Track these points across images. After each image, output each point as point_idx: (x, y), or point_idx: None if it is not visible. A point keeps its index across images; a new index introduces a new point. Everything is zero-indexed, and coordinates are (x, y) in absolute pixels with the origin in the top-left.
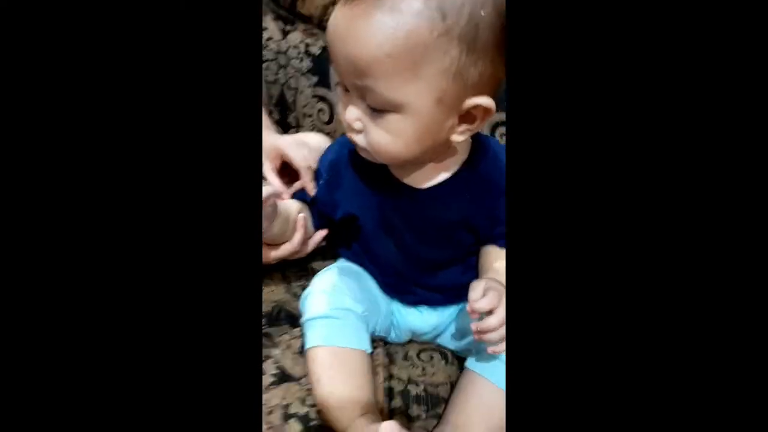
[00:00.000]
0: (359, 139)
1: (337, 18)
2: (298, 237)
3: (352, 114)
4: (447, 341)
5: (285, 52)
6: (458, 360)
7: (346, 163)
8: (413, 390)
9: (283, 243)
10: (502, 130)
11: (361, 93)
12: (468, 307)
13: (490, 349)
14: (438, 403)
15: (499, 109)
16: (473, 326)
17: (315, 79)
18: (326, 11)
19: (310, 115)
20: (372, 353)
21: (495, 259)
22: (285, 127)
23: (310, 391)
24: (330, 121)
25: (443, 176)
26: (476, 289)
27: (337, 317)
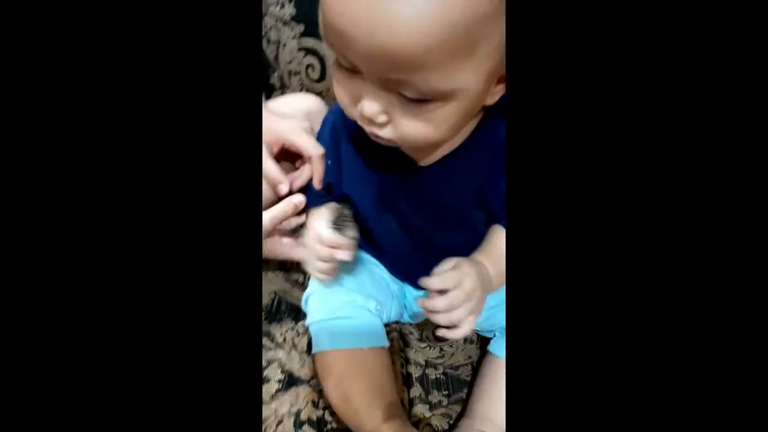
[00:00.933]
0: (384, 132)
1: (358, 2)
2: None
3: (374, 108)
4: None
5: None
6: (478, 339)
7: (345, 138)
8: (432, 374)
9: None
10: None
11: (393, 85)
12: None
13: (440, 332)
14: (460, 386)
15: None
16: (419, 300)
17: (300, 28)
18: None
19: (297, 73)
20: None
21: (492, 240)
22: (269, 90)
23: (321, 392)
24: (321, 78)
25: (449, 148)
26: (441, 266)
27: (349, 317)
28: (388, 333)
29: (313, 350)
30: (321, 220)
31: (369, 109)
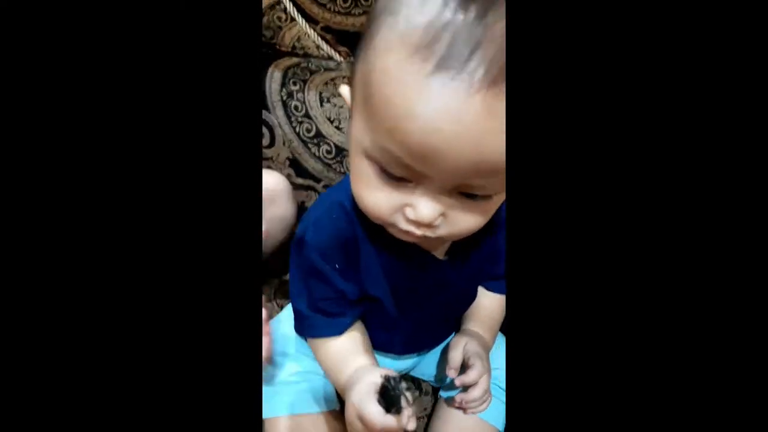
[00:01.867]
0: (432, 232)
1: (453, 113)
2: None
3: (435, 212)
4: (422, 373)
5: None
6: (434, 391)
7: (365, 239)
8: None
9: None
10: None
11: (465, 189)
12: (448, 372)
13: (469, 412)
14: None
15: None
16: (457, 398)
17: None
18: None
19: None
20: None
21: (480, 304)
22: None
23: None
24: (271, 145)
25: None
26: (455, 356)
27: (297, 381)
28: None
29: (263, 415)
30: (367, 392)
31: (429, 213)
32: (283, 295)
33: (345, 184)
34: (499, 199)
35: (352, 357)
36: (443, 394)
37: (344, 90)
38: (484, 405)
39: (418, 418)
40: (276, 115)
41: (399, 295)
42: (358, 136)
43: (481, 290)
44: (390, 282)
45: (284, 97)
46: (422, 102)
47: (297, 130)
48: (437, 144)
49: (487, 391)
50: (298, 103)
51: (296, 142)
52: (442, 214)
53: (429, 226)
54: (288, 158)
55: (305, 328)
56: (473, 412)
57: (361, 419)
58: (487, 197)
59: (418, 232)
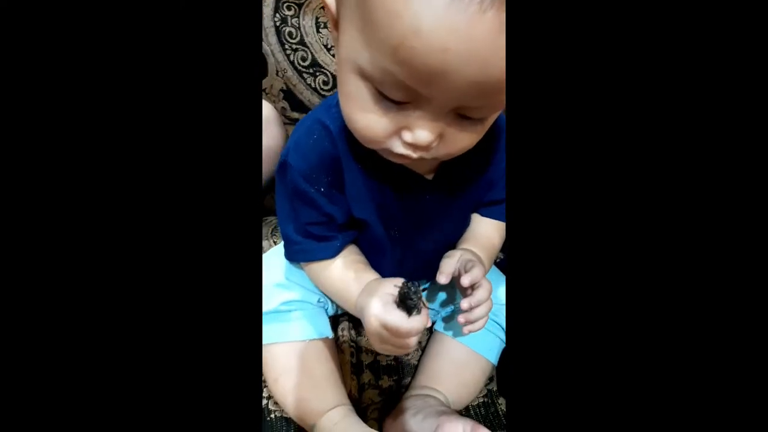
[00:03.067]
0: (429, 153)
1: (463, 32)
2: None
3: (432, 135)
4: None
5: None
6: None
7: (349, 160)
8: (383, 360)
9: None
10: None
11: (465, 110)
12: (439, 277)
13: (466, 329)
14: (410, 371)
15: None
16: (461, 318)
17: None
18: None
19: None
20: (336, 331)
21: (476, 228)
22: None
23: (265, 382)
24: (263, 75)
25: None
26: (449, 262)
27: (289, 310)
28: (340, 322)
29: None
30: (386, 302)
31: (427, 137)
32: (279, 233)
33: (329, 101)
34: (493, 118)
35: (356, 275)
36: (437, 327)
37: None
38: (481, 322)
39: (416, 351)
40: (268, 43)
41: (386, 217)
42: (351, 52)
43: (476, 216)
44: (375, 203)
45: (277, 23)
46: (431, 18)
47: (291, 58)
48: (445, 64)
49: (486, 304)
50: (293, 30)
51: (290, 72)
52: (440, 136)
53: (426, 148)
54: (282, 90)
55: (296, 253)
56: (470, 330)
57: (386, 327)
58: (483, 117)
59: (415, 155)
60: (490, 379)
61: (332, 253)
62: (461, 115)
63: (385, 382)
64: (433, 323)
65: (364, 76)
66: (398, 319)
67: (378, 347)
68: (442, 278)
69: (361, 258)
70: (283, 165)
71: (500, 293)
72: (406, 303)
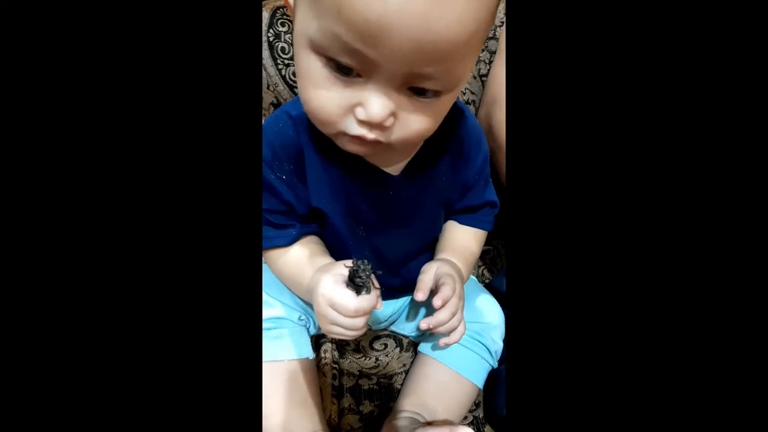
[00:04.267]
0: (385, 136)
1: None
2: None
3: (386, 109)
4: (401, 327)
5: None
6: (413, 346)
7: (311, 150)
8: (365, 384)
9: None
10: None
11: (415, 80)
12: (416, 294)
13: (442, 342)
14: (392, 396)
15: None
16: (422, 323)
17: None
18: None
19: None
20: (318, 353)
21: (452, 236)
22: None
23: None
24: None
25: (410, 155)
26: (425, 278)
27: (269, 328)
28: (322, 344)
29: None
30: (335, 281)
31: (380, 110)
32: None
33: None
34: (449, 99)
35: (311, 260)
36: (422, 348)
37: None
38: (456, 334)
39: (398, 374)
40: (261, 57)
41: (347, 211)
42: (303, 26)
43: (453, 224)
44: (336, 196)
45: (271, 39)
46: None
47: (283, 73)
48: (384, 17)
49: (457, 315)
50: (285, 45)
51: (281, 86)
52: (393, 114)
53: (381, 127)
54: (272, 103)
55: None
56: (446, 343)
57: (334, 306)
58: (436, 95)
59: (370, 135)
60: (477, 404)
61: (288, 241)
62: (414, 92)
63: (366, 407)
64: (417, 344)
65: (315, 48)
66: (346, 297)
67: (326, 329)
68: (419, 295)
69: (320, 247)
70: None
71: (488, 314)
72: (354, 281)
